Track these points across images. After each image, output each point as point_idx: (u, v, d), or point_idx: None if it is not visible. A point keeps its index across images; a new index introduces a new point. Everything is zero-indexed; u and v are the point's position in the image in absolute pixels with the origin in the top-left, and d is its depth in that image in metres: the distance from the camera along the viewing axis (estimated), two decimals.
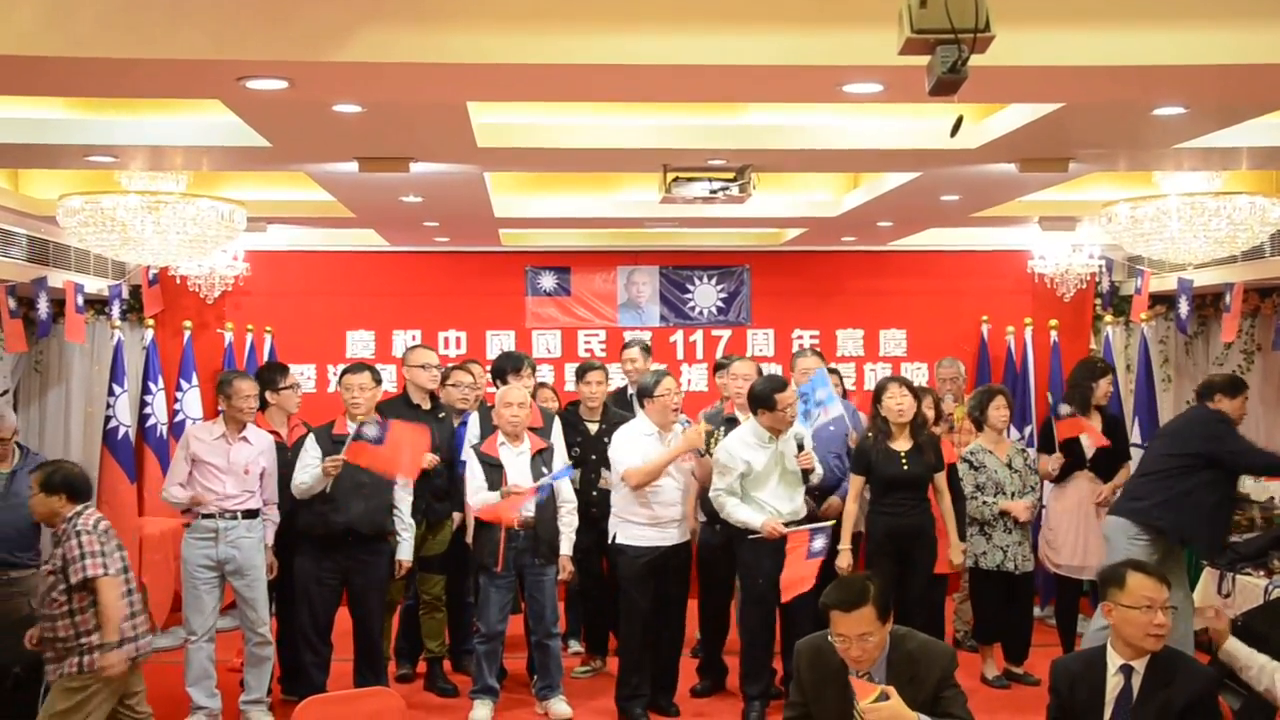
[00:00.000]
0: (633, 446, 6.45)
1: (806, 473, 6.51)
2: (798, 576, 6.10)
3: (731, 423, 6.80)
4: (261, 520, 6.53)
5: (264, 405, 6.93)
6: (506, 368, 7.20)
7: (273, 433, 6.84)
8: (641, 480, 6.38)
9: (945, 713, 3.93)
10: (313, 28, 4.07)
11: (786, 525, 6.24)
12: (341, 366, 8.29)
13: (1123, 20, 4.19)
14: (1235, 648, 4.33)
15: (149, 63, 4.08)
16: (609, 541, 6.57)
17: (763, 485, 6.39)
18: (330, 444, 6.42)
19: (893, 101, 5.09)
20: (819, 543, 6.15)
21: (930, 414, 7.25)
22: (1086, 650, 4.26)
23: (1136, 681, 4.00)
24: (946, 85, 3.41)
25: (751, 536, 6.35)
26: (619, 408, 7.43)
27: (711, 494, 6.47)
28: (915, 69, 3.54)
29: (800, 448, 6.49)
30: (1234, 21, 4.20)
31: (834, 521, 6.48)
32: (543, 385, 8.14)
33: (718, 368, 7.52)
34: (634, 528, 6.47)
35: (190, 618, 6.49)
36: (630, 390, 7.56)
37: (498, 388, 7.03)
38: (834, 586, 4.06)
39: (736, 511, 6.36)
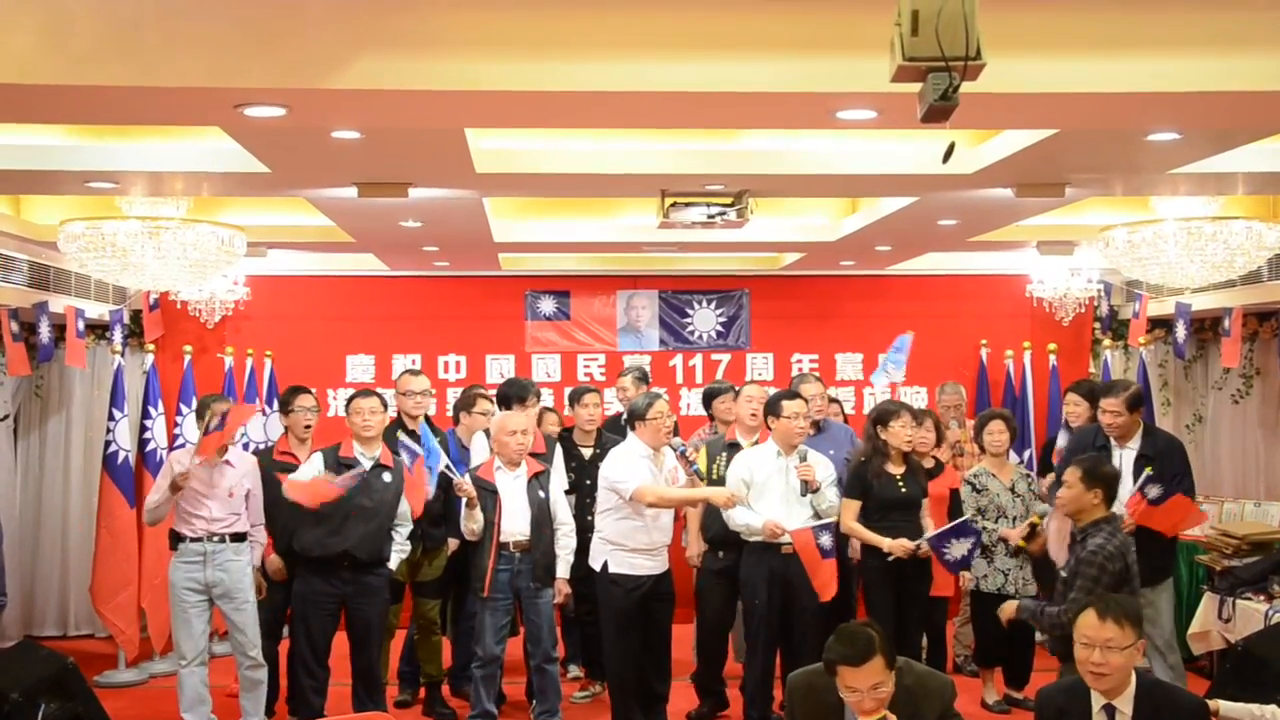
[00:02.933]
0: (632, 466, 6.36)
1: (806, 486, 6.41)
2: (828, 578, 6.23)
3: (733, 448, 6.80)
4: (249, 543, 6.54)
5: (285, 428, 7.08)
6: (512, 395, 7.18)
7: (290, 455, 6.84)
8: (655, 503, 6.32)
9: None
10: (310, 55, 4.10)
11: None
12: (343, 391, 8.34)
13: (1114, 47, 4.22)
14: (1228, 709, 4.24)
15: (147, 90, 4.11)
16: (599, 570, 6.46)
17: (763, 499, 6.40)
18: (336, 466, 6.44)
19: (886, 128, 5.12)
20: (826, 539, 6.23)
21: (930, 436, 7.25)
22: (1070, 681, 4.22)
23: None
24: (938, 112, 3.43)
25: (753, 539, 6.39)
26: (615, 434, 7.42)
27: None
28: (908, 96, 3.55)
29: (802, 458, 6.48)
30: (1226, 49, 4.23)
31: (835, 520, 6.46)
32: (548, 410, 8.15)
33: (708, 396, 7.59)
34: (628, 556, 6.39)
35: (180, 642, 6.48)
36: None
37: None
38: (838, 640, 3.89)
39: (739, 515, 6.40)
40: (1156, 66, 4.23)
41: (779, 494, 6.42)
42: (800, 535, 6.26)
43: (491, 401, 7.37)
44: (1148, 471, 6.35)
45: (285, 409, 7.06)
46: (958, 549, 6.51)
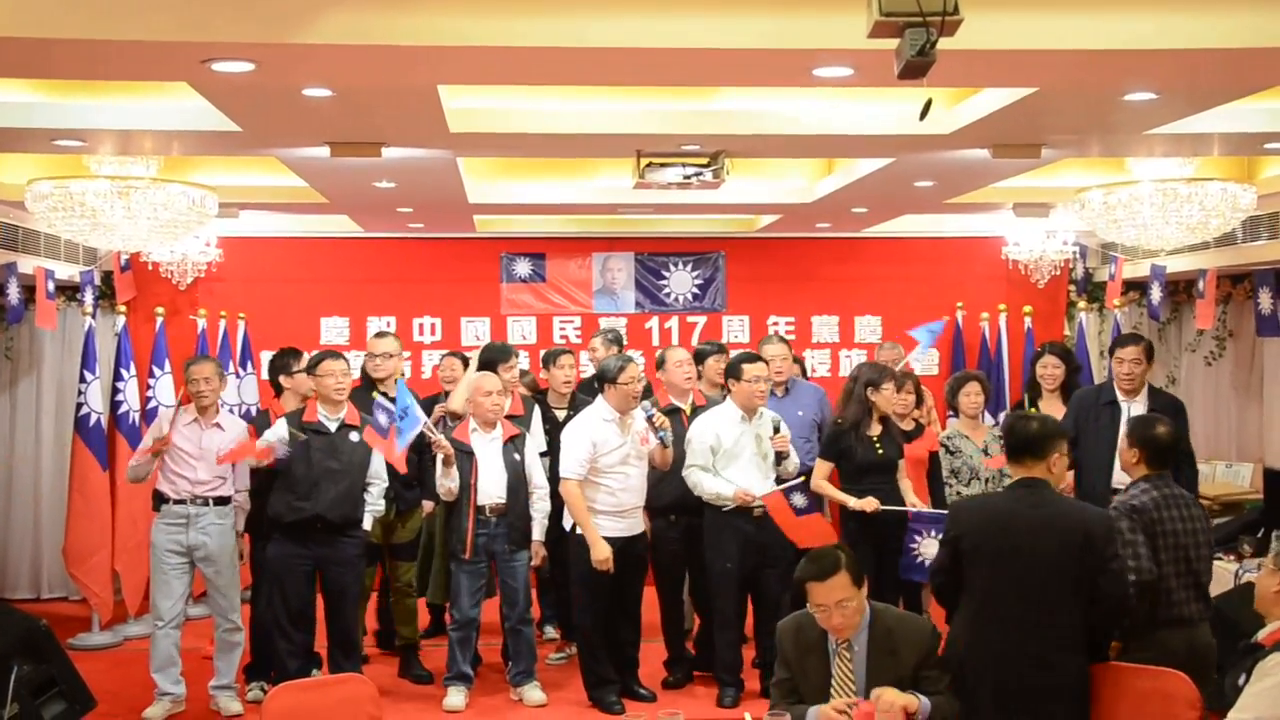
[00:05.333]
0: (582, 441, 6.34)
1: (780, 456, 6.51)
2: (808, 532, 6.19)
3: (673, 412, 6.78)
4: (232, 507, 6.51)
5: (279, 390, 6.94)
6: (496, 360, 7.12)
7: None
8: (570, 505, 6.36)
9: (926, 693, 3.99)
10: (279, 9, 4.04)
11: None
12: (315, 353, 8.26)
13: (1092, 4, 4.20)
14: None
15: (113, 44, 4.05)
16: (568, 531, 6.49)
17: (732, 463, 6.42)
18: (301, 430, 6.38)
19: (863, 85, 5.10)
20: (798, 499, 6.26)
21: (910, 399, 7.24)
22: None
23: None
24: (915, 69, 3.42)
25: (725, 510, 6.40)
26: (589, 396, 7.39)
27: (684, 472, 6.49)
28: (885, 53, 3.54)
29: (776, 430, 6.51)
30: (1204, 6, 4.22)
31: (804, 478, 6.49)
32: (525, 373, 8.14)
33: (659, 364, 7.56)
34: (595, 517, 6.38)
35: (158, 603, 6.46)
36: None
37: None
38: (807, 559, 4.14)
39: (708, 484, 6.41)
40: (1135, 24, 4.22)
41: (747, 457, 6.44)
42: (772, 500, 6.29)
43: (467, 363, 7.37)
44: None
45: (288, 372, 6.96)
46: (928, 548, 6.45)
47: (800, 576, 4.09)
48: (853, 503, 6.52)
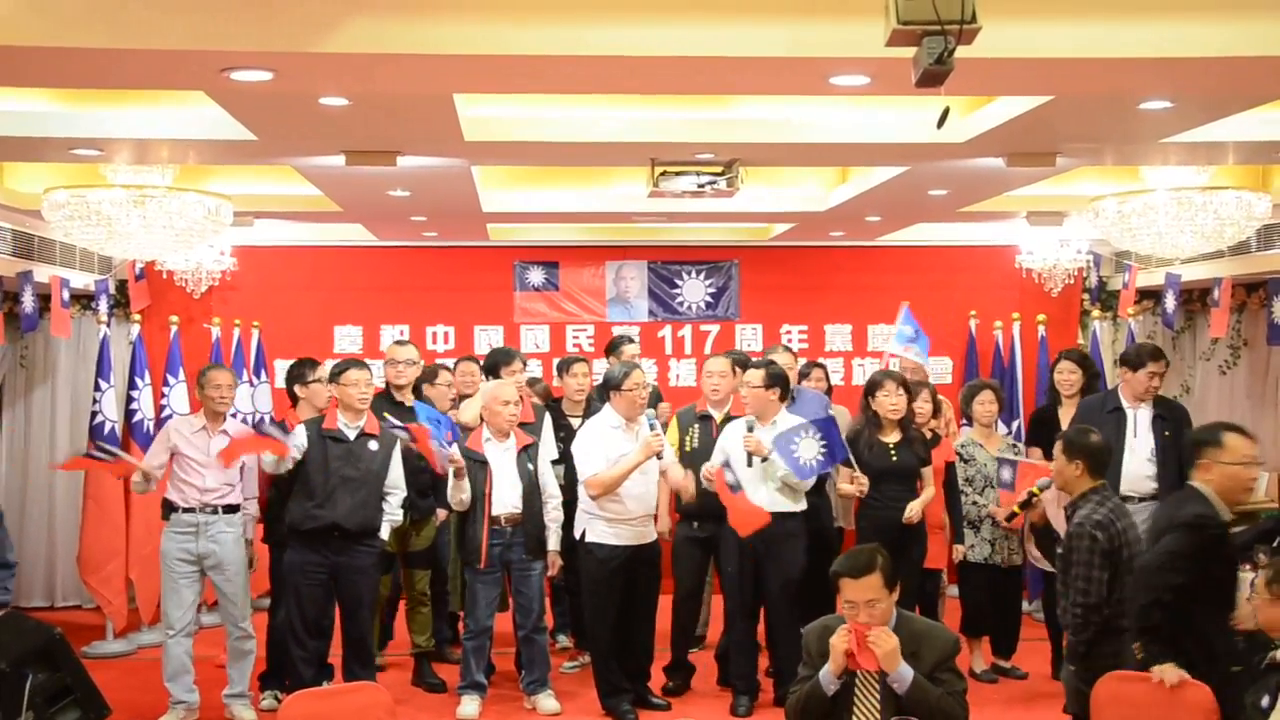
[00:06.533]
0: (595, 447, 6.38)
1: (750, 455, 6.36)
2: (738, 512, 6.23)
3: (705, 420, 6.82)
4: (242, 515, 6.53)
5: (295, 400, 6.96)
6: (499, 362, 7.17)
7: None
8: (603, 491, 6.32)
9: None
10: (297, 19, 4.06)
11: (770, 515, 6.30)
12: (330, 362, 8.27)
13: (1110, 12, 4.20)
14: None
15: (131, 53, 4.07)
16: (579, 538, 6.50)
17: (740, 470, 6.40)
18: (319, 438, 6.39)
19: (880, 94, 5.09)
20: (729, 475, 6.28)
21: (927, 407, 7.22)
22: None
23: None
24: (933, 77, 3.42)
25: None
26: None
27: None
28: (902, 61, 3.54)
29: (749, 428, 6.42)
30: (1220, 14, 4.22)
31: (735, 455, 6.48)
32: (537, 380, 8.14)
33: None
34: (604, 525, 6.39)
35: (169, 611, 6.47)
36: None
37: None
38: (844, 555, 4.26)
39: (703, 471, 6.49)
40: (1153, 31, 4.21)
41: (755, 464, 6.42)
42: (716, 474, 6.32)
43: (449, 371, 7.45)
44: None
45: (303, 381, 6.96)
46: (805, 450, 6.36)
47: (836, 570, 4.19)
48: (844, 488, 6.74)
